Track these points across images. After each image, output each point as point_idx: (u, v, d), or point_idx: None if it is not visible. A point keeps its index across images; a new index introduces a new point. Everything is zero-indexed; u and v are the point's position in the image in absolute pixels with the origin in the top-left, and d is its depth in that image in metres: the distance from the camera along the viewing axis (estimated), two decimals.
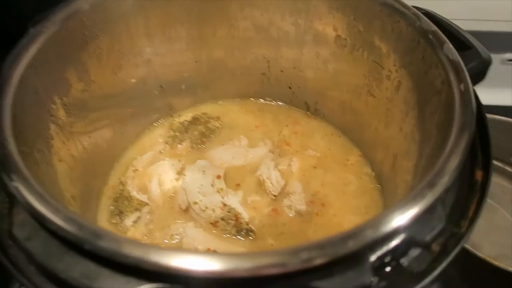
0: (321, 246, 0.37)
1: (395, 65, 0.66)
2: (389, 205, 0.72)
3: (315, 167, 0.82)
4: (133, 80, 0.79)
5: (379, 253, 0.39)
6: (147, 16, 0.73)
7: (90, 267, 0.37)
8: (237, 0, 0.77)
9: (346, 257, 0.37)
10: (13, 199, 0.43)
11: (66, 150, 0.64)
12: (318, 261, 0.36)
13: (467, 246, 0.74)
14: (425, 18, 0.60)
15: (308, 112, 0.92)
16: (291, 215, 0.75)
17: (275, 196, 0.78)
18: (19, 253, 0.41)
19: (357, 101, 0.80)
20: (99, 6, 0.64)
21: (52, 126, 0.59)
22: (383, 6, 0.64)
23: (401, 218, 0.39)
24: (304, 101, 0.91)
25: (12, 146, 0.44)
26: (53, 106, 0.60)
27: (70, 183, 0.64)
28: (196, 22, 0.79)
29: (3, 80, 0.50)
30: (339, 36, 0.74)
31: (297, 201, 0.76)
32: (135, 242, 0.37)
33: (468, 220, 0.45)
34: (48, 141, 0.58)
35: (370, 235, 0.38)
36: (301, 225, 0.74)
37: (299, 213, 0.75)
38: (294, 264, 0.35)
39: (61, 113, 0.62)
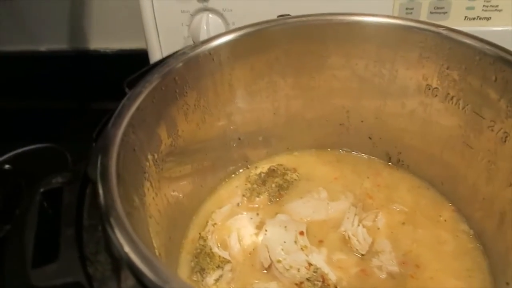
0: None
1: (500, 116, 0.61)
2: (498, 270, 0.64)
3: (403, 223, 0.76)
4: (214, 133, 0.80)
5: None
6: (232, 73, 0.74)
7: None
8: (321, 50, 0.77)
9: None
10: (119, 262, 0.42)
11: (155, 205, 0.64)
12: None
13: None
14: None
15: (389, 163, 0.87)
16: (382, 277, 0.69)
17: (362, 255, 0.72)
18: None
19: (449, 153, 0.75)
20: (191, 64, 0.66)
21: (146, 184, 0.59)
22: (483, 55, 0.61)
23: None
24: (385, 151, 0.87)
25: (119, 207, 0.44)
26: (147, 163, 0.61)
27: (156, 238, 0.64)
28: (278, 73, 0.79)
29: (108, 140, 0.51)
30: (429, 85, 0.71)
31: (387, 261, 0.70)
32: None
33: None
34: (142, 198, 0.58)
35: None
36: None
37: (391, 275, 0.69)
38: None
39: (152, 170, 0.63)
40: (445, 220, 0.76)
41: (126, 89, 0.62)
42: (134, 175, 0.57)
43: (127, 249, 0.39)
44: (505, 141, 0.61)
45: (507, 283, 0.60)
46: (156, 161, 0.65)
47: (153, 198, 0.63)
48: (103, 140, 0.53)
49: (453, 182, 0.76)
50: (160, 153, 0.66)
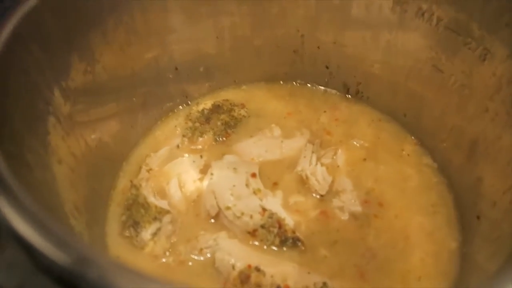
0: None
1: (480, 31, 0.52)
2: (466, 204, 0.59)
3: (364, 160, 0.69)
4: (144, 59, 0.65)
5: None
6: None
7: None
8: None
9: None
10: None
11: (66, 148, 0.50)
12: None
13: None
14: None
15: (348, 96, 0.78)
16: (344, 219, 0.62)
17: (321, 195, 0.64)
18: None
19: (415, 80, 0.67)
20: None
21: (50, 118, 0.45)
22: None
23: None
24: (343, 82, 0.77)
25: None
26: (51, 94, 0.45)
27: (71, 190, 0.50)
28: None
29: None
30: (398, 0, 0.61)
31: (349, 201, 0.63)
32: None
33: None
34: (44, 137, 0.43)
35: None
36: (358, 230, 0.61)
37: (353, 216, 0.62)
38: None
39: (60, 102, 0.48)
40: (408, 155, 0.70)
41: None
42: (29, 105, 0.41)
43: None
44: (484, 59, 0.53)
45: (478, 217, 0.55)
46: (65, 91, 0.50)
47: (62, 138, 0.49)
48: None
49: (417, 113, 0.69)
50: (71, 81, 0.51)
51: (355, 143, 0.71)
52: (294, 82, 0.81)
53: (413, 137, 0.72)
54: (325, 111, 0.76)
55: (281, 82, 0.81)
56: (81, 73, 0.53)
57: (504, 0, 0.49)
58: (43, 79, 0.45)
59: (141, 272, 0.28)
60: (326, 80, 0.78)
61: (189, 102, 0.77)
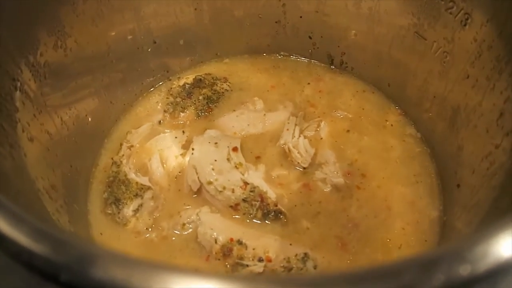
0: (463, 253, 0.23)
1: None
2: (448, 173, 0.59)
3: (348, 131, 0.69)
4: (119, 33, 0.63)
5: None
6: None
7: None
8: None
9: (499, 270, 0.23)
10: None
11: (39, 125, 0.49)
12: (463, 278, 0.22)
13: None
14: None
15: (332, 67, 0.77)
16: (326, 190, 0.62)
17: (304, 168, 0.64)
18: None
19: (398, 48, 0.65)
20: None
21: (17, 95, 0.43)
22: None
23: None
24: (327, 53, 0.76)
25: None
26: (16, 68, 0.44)
27: (47, 168, 0.50)
28: None
29: None
30: None
31: (332, 173, 0.63)
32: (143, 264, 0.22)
33: None
34: (12, 114, 0.42)
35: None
36: (340, 202, 0.61)
37: (336, 188, 0.62)
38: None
39: (28, 77, 0.46)
40: (392, 125, 0.69)
41: None
42: None
43: None
44: (465, 24, 0.52)
45: (458, 185, 0.55)
46: (34, 66, 0.48)
47: (34, 115, 0.48)
48: None
49: (401, 83, 0.68)
50: (39, 56, 0.49)
51: (338, 114, 0.71)
52: (277, 54, 0.79)
53: (397, 108, 0.71)
54: (309, 83, 0.75)
55: (265, 55, 0.79)
56: (50, 48, 0.52)
57: None
58: (6, 54, 0.44)
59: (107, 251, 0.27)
60: (310, 51, 0.77)
61: (170, 77, 0.76)
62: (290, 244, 0.56)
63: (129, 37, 0.65)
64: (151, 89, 0.74)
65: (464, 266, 0.21)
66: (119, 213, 0.59)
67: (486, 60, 0.49)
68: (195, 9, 0.70)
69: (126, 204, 0.59)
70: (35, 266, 0.24)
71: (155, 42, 0.69)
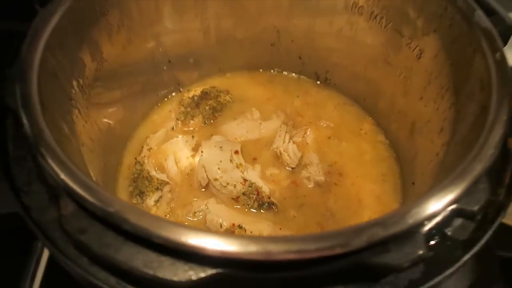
0: (382, 224, 0.38)
1: (416, 33, 0.65)
2: (407, 173, 0.74)
3: (329, 138, 0.83)
4: (142, 55, 0.76)
5: (430, 225, 0.40)
6: None
7: (151, 256, 0.37)
8: None
9: (403, 232, 0.38)
10: (56, 190, 0.42)
11: (86, 133, 0.62)
12: (379, 239, 0.36)
13: None
14: None
15: (318, 82, 0.91)
16: (310, 186, 0.76)
17: (292, 168, 0.78)
18: (69, 246, 0.40)
19: (371, 70, 0.79)
20: None
21: (74, 111, 0.57)
22: None
23: (454, 191, 0.39)
24: (314, 71, 0.90)
25: (47, 135, 0.43)
26: (72, 90, 0.57)
27: (91, 167, 0.63)
28: None
29: (25, 65, 0.47)
30: (355, 3, 0.72)
31: (315, 172, 0.77)
32: (196, 230, 0.37)
33: (505, 188, 0.46)
34: (72, 126, 0.56)
35: (428, 210, 0.39)
36: (321, 195, 0.75)
37: (318, 184, 0.76)
38: (357, 243, 0.36)
39: (79, 96, 0.60)
40: (366, 133, 0.84)
41: (37, 7, 0.56)
42: (60, 102, 0.54)
43: (63, 176, 0.39)
44: (419, 57, 0.66)
45: (413, 183, 0.70)
46: (82, 87, 0.61)
47: (83, 125, 0.61)
48: (18, 66, 0.49)
49: (374, 98, 0.82)
50: (85, 78, 0.62)
51: (322, 123, 0.85)
52: (272, 70, 0.93)
53: (370, 118, 0.85)
54: (298, 96, 0.89)
55: (261, 70, 0.93)
56: (92, 70, 0.65)
57: (433, 10, 0.61)
58: (66, 79, 0.57)
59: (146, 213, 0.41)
60: (299, 69, 0.91)
61: (181, 89, 0.89)
62: (280, 229, 0.70)
63: (150, 57, 0.78)
64: (165, 100, 0.87)
65: (381, 230, 0.36)
66: (142, 203, 0.72)
67: (434, 87, 0.64)
68: (204, 33, 0.83)
69: (149, 196, 0.72)
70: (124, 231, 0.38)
71: (169, 61, 0.83)
